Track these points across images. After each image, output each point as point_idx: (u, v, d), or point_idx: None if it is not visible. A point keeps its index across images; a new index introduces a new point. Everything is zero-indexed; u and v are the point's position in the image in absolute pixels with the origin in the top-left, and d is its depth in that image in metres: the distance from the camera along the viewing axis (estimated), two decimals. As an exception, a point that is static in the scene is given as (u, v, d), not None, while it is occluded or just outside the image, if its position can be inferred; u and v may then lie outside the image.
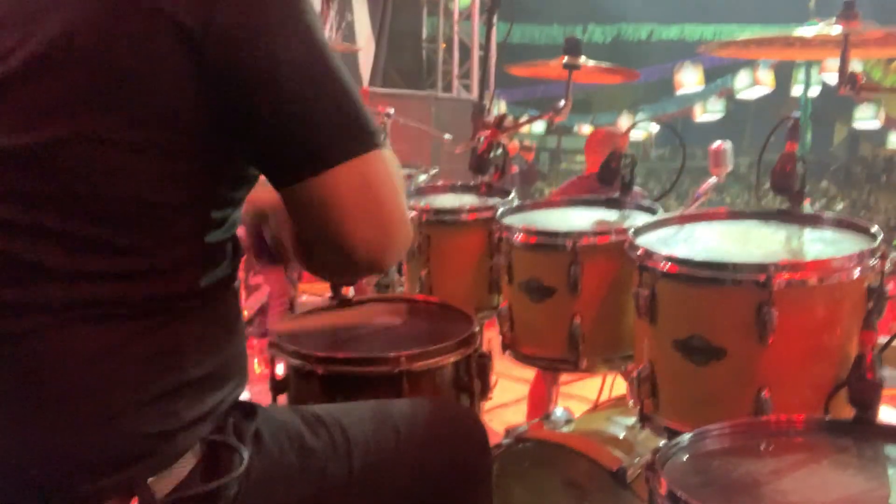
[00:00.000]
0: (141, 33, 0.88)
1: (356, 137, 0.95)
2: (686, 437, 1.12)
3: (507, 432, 1.71)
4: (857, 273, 1.24)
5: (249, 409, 1.10)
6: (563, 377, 2.95)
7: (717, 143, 2.40)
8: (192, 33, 0.88)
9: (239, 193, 1.05)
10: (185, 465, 0.97)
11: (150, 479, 0.94)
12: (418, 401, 1.40)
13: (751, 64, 12.95)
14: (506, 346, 1.80)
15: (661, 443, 1.33)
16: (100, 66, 0.89)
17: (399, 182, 1.01)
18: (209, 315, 1.01)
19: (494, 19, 2.53)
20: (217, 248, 1.02)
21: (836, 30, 1.46)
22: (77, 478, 0.91)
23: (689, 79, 13.14)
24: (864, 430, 1.14)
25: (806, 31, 1.56)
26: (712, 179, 2.40)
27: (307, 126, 0.93)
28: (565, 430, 1.84)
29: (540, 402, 2.97)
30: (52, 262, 0.90)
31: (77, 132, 0.89)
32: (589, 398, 2.90)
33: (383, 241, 0.99)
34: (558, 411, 1.93)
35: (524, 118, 2.41)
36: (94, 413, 0.91)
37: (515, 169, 8.89)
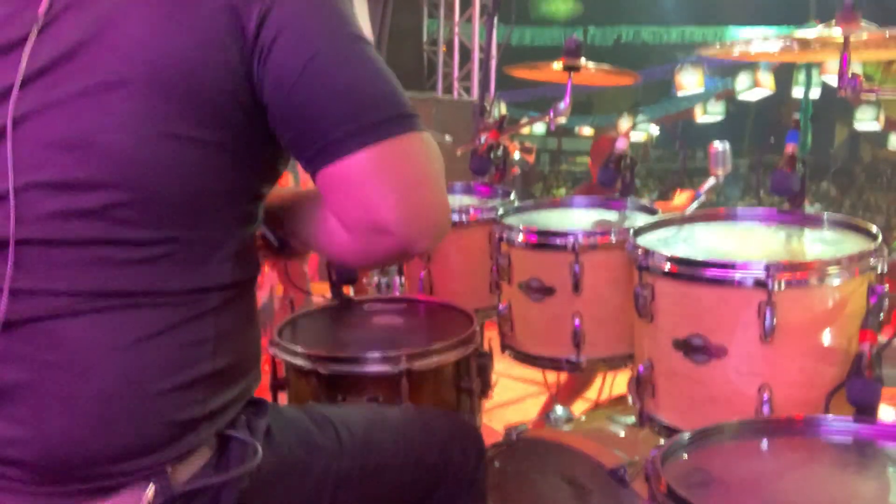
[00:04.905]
0: (205, 16, 0.92)
1: (392, 119, 0.97)
2: (686, 437, 1.12)
3: (507, 431, 1.70)
4: (857, 273, 1.24)
5: (261, 405, 1.12)
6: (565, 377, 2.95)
7: (715, 144, 2.40)
8: (246, 21, 0.92)
9: (267, 188, 1.07)
10: (201, 456, 0.99)
11: (168, 468, 0.95)
12: (420, 408, 1.43)
13: (751, 66, 12.94)
14: (505, 346, 1.81)
15: (661, 442, 1.34)
16: (163, 55, 0.91)
17: (436, 165, 1.02)
18: (236, 308, 1.03)
19: (495, 21, 2.53)
20: (247, 243, 1.05)
21: (836, 31, 1.46)
22: (100, 460, 0.92)
23: (690, 80, 13.13)
24: (864, 430, 1.14)
25: (806, 32, 1.56)
26: (711, 180, 2.40)
27: (342, 108, 0.95)
28: (565, 429, 1.84)
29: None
30: (91, 249, 0.91)
31: (130, 119, 0.91)
32: (589, 398, 2.90)
33: (417, 224, 0.99)
34: (558, 410, 1.93)
35: (524, 120, 2.40)
36: (123, 398, 0.92)
37: (516, 170, 8.89)
